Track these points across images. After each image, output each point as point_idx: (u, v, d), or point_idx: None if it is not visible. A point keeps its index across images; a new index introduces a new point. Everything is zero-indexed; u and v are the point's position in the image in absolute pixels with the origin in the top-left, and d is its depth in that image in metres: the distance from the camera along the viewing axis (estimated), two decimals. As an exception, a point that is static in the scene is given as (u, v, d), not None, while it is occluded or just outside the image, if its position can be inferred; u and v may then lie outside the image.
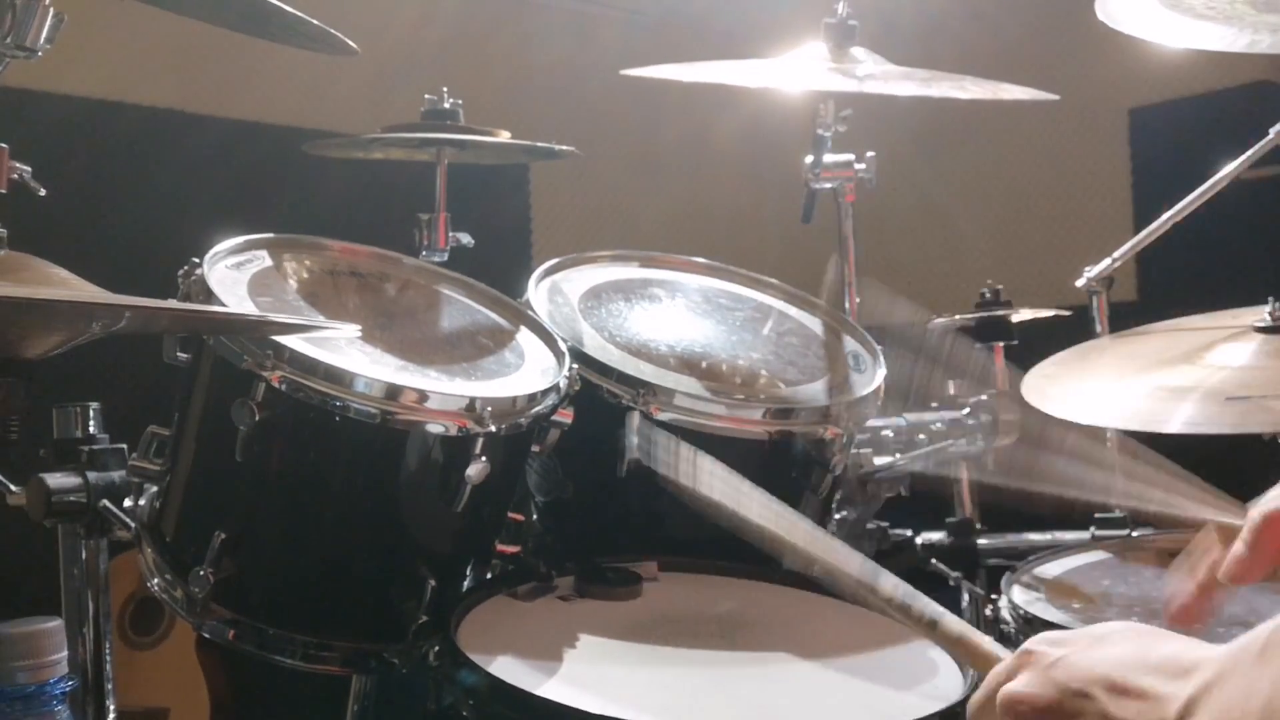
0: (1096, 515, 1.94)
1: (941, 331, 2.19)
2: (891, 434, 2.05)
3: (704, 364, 1.58)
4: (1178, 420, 1.43)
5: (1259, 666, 0.66)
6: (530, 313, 1.55)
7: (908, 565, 2.13)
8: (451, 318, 1.54)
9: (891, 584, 1.00)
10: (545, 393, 1.39)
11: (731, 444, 1.50)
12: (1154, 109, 3.61)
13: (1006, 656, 0.89)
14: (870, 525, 2.08)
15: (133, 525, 1.38)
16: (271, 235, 1.47)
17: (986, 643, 0.94)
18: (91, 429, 1.41)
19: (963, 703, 1.12)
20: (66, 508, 1.35)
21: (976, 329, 2.30)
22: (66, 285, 1.10)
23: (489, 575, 1.46)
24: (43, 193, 1.33)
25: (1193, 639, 0.77)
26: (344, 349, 1.31)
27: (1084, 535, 1.89)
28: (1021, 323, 2.30)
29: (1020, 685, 0.83)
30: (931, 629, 0.98)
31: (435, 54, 3.40)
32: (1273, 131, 1.87)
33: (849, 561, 1.02)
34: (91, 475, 1.36)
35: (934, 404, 2.14)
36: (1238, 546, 0.90)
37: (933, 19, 3.38)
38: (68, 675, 0.95)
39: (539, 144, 1.99)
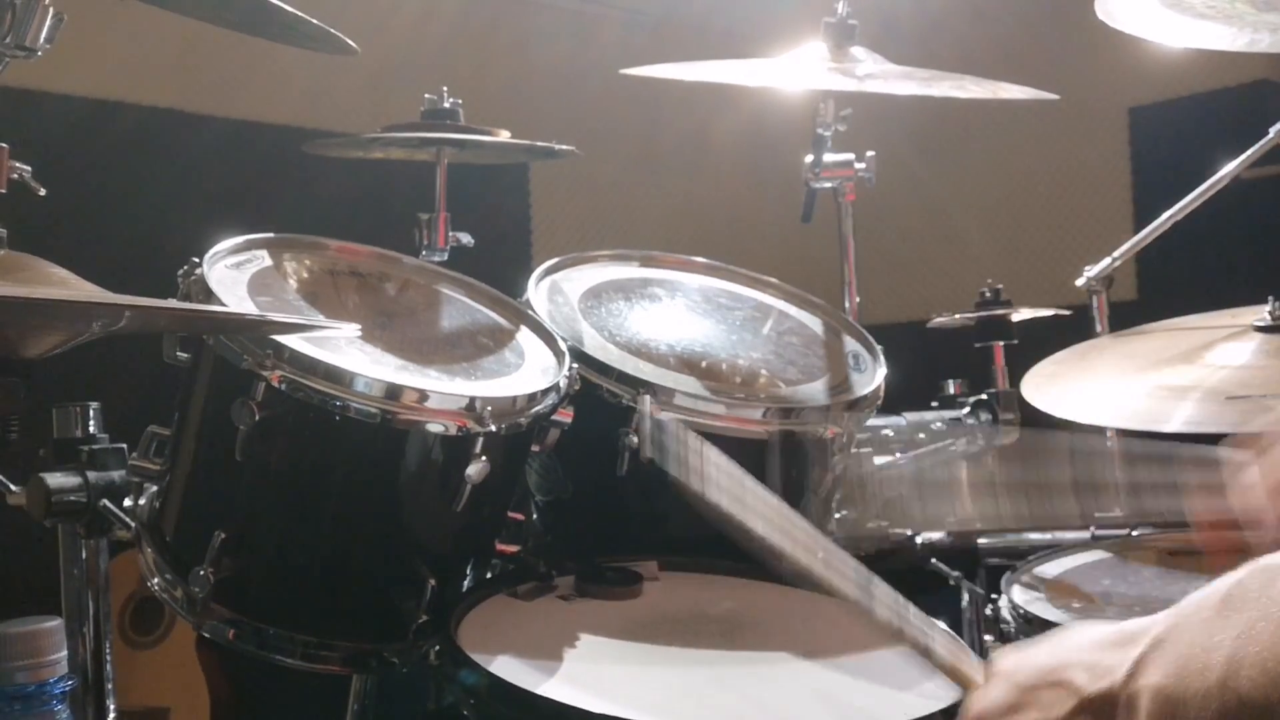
0: (1096, 515, 1.94)
1: None
2: (891, 434, 2.05)
3: (704, 363, 1.58)
4: (1178, 420, 1.43)
5: (1220, 618, 0.64)
6: (530, 312, 1.55)
7: (908, 565, 2.13)
8: (451, 317, 1.54)
9: (887, 607, 0.99)
10: (545, 392, 1.39)
11: (731, 443, 1.49)
12: (1154, 108, 3.61)
13: None
14: (870, 525, 2.08)
15: (133, 525, 1.38)
16: (271, 235, 1.47)
17: (975, 671, 0.94)
18: (91, 429, 1.41)
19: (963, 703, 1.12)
20: (66, 507, 1.34)
21: (976, 328, 2.30)
22: (66, 285, 1.10)
23: (489, 575, 1.46)
24: (43, 193, 1.33)
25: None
26: (344, 348, 1.31)
27: (1084, 535, 1.89)
28: (1021, 322, 2.31)
29: (984, 700, 0.84)
30: (926, 655, 0.98)
31: (435, 54, 3.40)
32: (1273, 131, 1.87)
33: (845, 581, 1.01)
34: (91, 475, 1.36)
35: (934, 403, 2.15)
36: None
37: (933, 19, 3.38)
38: (67, 675, 0.95)
39: (539, 144, 1.99)
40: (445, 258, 1.90)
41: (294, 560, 1.36)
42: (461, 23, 3.52)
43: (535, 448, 1.45)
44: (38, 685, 0.92)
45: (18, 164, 1.30)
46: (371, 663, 1.38)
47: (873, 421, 1.86)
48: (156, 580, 1.38)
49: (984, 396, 2.03)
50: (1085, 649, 0.76)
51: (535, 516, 1.57)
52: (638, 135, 3.83)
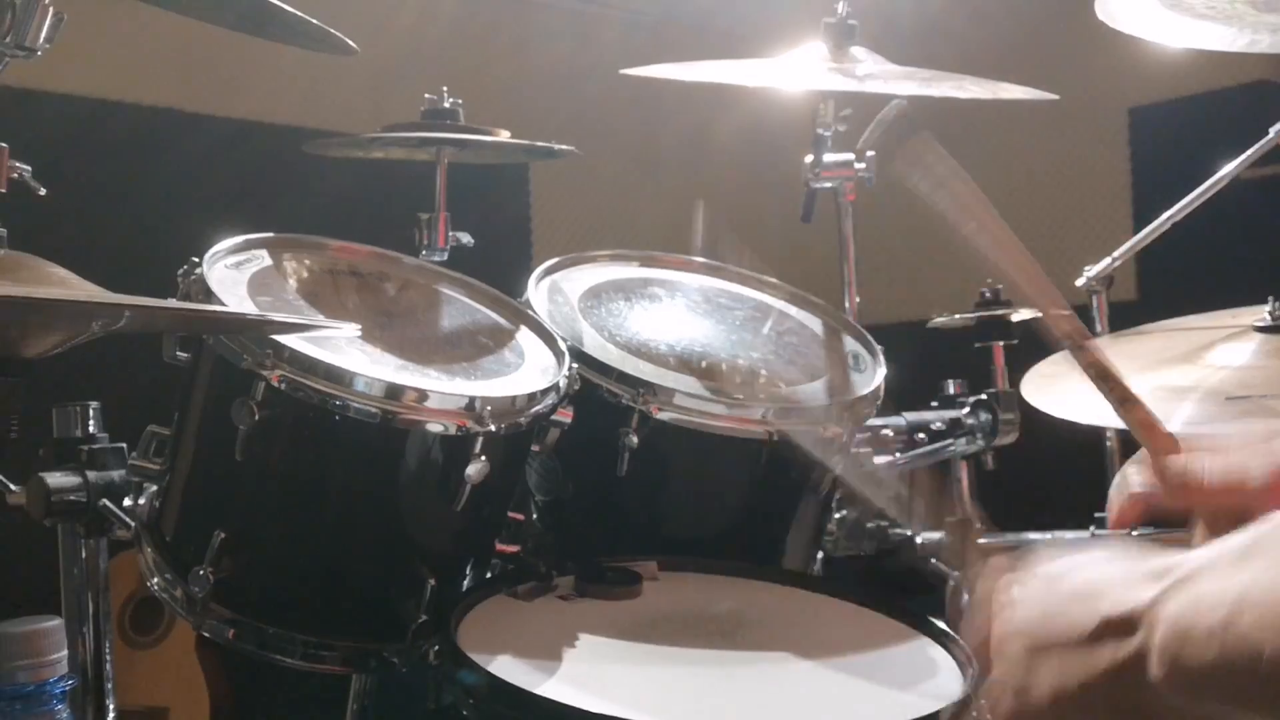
0: (1096, 515, 1.94)
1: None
2: (891, 434, 2.05)
3: (704, 363, 1.58)
4: (1178, 420, 1.43)
5: (1236, 565, 0.69)
6: (530, 312, 1.55)
7: (908, 565, 2.13)
8: (451, 317, 1.54)
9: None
10: (545, 392, 1.39)
11: (731, 444, 1.50)
12: (1154, 109, 3.62)
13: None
14: (870, 525, 2.08)
15: (132, 525, 1.38)
16: (271, 235, 1.47)
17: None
18: (91, 428, 1.40)
19: (963, 702, 1.12)
20: (66, 507, 1.34)
21: (976, 328, 2.30)
22: (66, 285, 1.10)
23: (489, 575, 1.46)
24: (43, 193, 1.33)
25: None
26: (344, 348, 1.31)
27: (1084, 535, 1.89)
28: (1021, 322, 2.30)
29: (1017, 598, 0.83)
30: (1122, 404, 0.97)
31: (435, 54, 3.40)
32: (1273, 131, 1.87)
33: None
34: (91, 475, 1.35)
35: (934, 403, 2.15)
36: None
37: (933, 19, 3.38)
38: (68, 675, 0.95)
39: (539, 144, 1.99)
40: (445, 258, 1.90)
41: (294, 560, 1.36)
42: (461, 23, 3.52)
43: (535, 448, 1.45)
44: (38, 685, 0.92)
45: (18, 164, 1.30)
46: (371, 663, 1.38)
47: (873, 421, 1.86)
48: (156, 580, 1.38)
49: (984, 396, 2.03)
50: (1119, 581, 0.77)
51: (535, 516, 1.57)
52: (638, 135, 3.83)
